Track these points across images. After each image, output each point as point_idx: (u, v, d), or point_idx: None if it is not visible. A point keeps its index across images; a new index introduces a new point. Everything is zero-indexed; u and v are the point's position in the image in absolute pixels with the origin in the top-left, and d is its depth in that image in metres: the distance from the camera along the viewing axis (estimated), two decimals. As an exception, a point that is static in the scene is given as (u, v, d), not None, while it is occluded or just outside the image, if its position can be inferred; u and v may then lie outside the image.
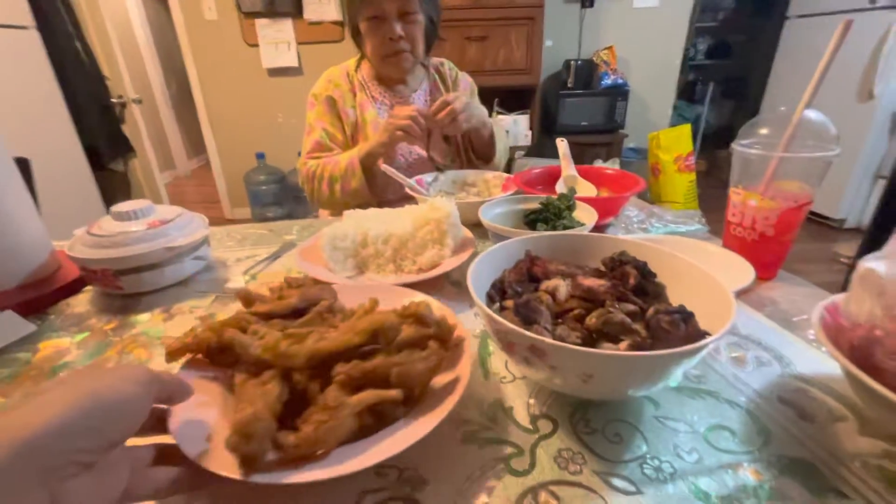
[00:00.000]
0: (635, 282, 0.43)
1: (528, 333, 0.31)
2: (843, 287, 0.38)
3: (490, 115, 1.06)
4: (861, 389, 0.33)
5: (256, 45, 2.88)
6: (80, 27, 2.36)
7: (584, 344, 0.37)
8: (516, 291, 0.43)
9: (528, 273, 0.46)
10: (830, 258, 2.52)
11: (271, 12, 2.78)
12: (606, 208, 0.74)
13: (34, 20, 1.95)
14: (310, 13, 2.80)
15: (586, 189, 0.85)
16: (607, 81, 2.96)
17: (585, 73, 2.94)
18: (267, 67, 2.94)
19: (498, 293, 0.45)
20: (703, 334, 0.34)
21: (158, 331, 0.53)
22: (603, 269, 0.46)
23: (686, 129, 2.48)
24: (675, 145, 2.44)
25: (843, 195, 2.78)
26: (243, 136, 3.11)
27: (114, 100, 2.55)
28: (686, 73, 3.87)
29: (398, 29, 0.95)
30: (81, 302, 0.60)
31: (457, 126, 0.91)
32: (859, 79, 2.64)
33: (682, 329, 0.34)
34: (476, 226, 0.70)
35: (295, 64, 2.92)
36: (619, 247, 0.47)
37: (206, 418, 0.33)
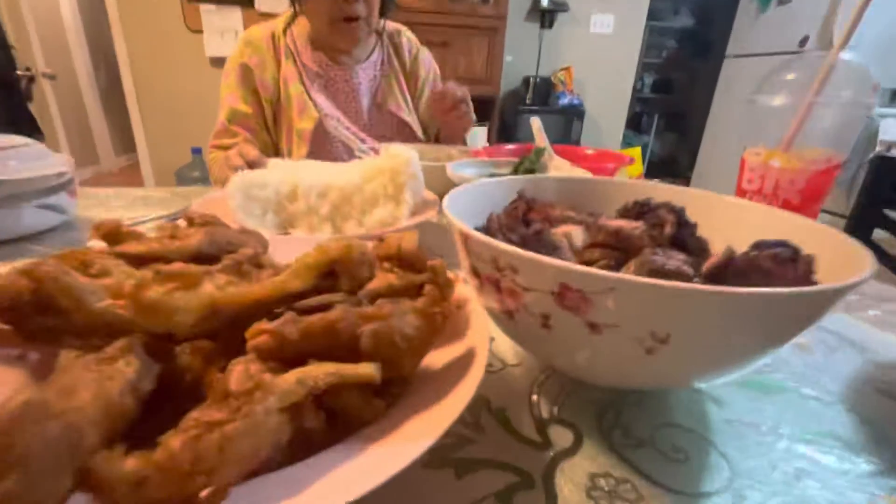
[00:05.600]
0: (672, 231, 0.31)
1: (573, 266, 0.17)
2: None
3: None
4: None
5: (200, 32, 2.65)
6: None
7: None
8: (510, 239, 0.29)
9: (524, 220, 0.32)
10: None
11: (218, -2, 2.58)
12: (593, 183, 0.63)
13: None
14: (262, 3, 2.61)
15: (562, 167, 0.74)
16: (564, 101, 3.00)
17: (543, 91, 2.96)
18: (210, 56, 2.70)
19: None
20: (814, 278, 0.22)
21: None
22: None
23: (637, 151, 2.53)
24: (627, 168, 2.46)
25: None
26: (178, 129, 2.82)
27: (19, 72, 2.21)
28: (634, 104, 4.07)
29: None
30: None
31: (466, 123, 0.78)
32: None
33: (791, 270, 0.21)
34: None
35: (241, 55, 2.71)
36: (641, 193, 0.35)
37: None
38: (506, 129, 3.02)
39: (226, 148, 0.80)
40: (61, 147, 2.41)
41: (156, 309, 0.19)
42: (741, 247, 0.28)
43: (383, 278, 0.23)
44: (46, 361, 0.22)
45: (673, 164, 4.50)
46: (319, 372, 0.16)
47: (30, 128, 2.31)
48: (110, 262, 0.22)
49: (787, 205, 0.47)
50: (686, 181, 3.82)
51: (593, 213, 0.34)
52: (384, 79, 0.92)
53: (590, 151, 0.77)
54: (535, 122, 0.82)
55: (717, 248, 0.32)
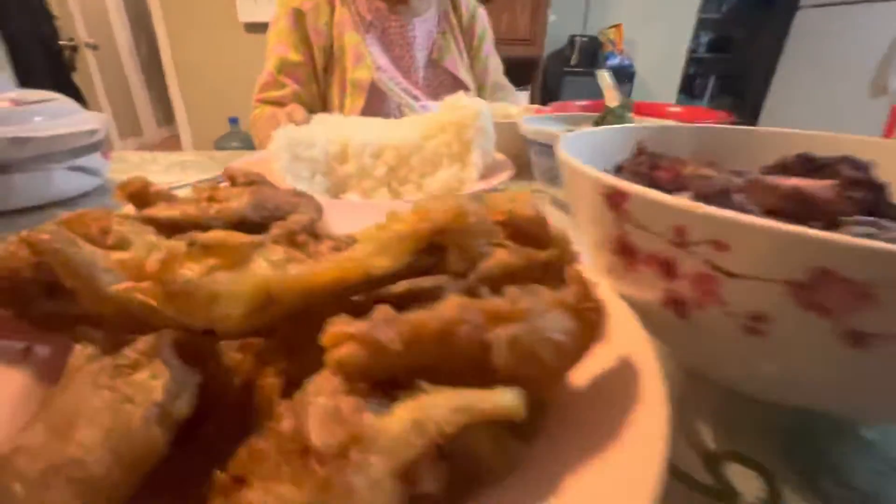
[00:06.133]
0: (861, 195, 0.23)
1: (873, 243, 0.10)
2: None
3: None
4: None
5: (233, -4, 2.59)
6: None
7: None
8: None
9: (648, 177, 0.25)
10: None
11: (251, -41, 2.50)
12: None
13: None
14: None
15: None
16: (613, 62, 2.78)
17: (590, 52, 2.76)
18: (244, 22, 2.65)
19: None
20: None
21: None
22: (776, 179, 0.25)
23: (696, 114, 2.33)
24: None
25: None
26: (215, 98, 2.82)
27: (63, 42, 2.24)
28: (687, 66, 3.75)
29: None
30: None
31: None
32: (872, 72, 2.52)
33: None
34: (507, 153, 0.48)
35: (276, 19, 2.64)
36: (798, 145, 0.27)
37: None
38: (549, 93, 2.85)
39: (272, 102, 0.75)
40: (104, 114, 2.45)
41: (190, 296, 0.13)
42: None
43: (494, 255, 0.16)
44: (58, 357, 0.17)
45: (727, 130, 4.17)
46: (443, 407, 0.10)
47: (75, 98, 2.36)
48: (131, 228, 0.16)
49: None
50: (743, 149, 3.53)
51: (738, 171, 0.26)
52: (441, 35, 0.86)
53: (675, 109, 0.67)
54: (605, 77, 0.72)
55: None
